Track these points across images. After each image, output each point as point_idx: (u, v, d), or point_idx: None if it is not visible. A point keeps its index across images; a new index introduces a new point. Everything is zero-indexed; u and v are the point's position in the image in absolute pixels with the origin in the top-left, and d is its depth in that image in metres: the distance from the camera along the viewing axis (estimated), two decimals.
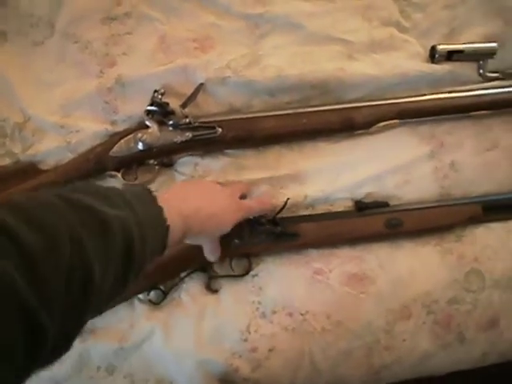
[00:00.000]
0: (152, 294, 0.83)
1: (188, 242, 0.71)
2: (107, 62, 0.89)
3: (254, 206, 0.79)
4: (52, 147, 0.86)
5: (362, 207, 0.86)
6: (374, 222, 0.85)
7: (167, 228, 0.58)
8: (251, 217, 0.81)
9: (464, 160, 0.90)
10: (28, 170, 0.84)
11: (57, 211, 0.44)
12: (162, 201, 0.59)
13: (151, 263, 0.56)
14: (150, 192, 0.60)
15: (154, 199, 0.59)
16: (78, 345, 0.81)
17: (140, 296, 0.84)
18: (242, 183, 0.84)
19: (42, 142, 0.86)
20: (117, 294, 0.51)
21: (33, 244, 0.40)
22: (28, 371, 0.40)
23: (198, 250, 0.81)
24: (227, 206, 0.72)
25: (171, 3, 0.92)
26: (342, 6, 0.93)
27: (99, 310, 0.51)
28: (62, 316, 0.41)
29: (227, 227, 0.73)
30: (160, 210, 0.58)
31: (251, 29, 0.91)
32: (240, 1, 0.92)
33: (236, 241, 0.82)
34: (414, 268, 0.86)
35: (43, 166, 0.85)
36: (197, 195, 0.70)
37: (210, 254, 0.77)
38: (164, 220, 0.57)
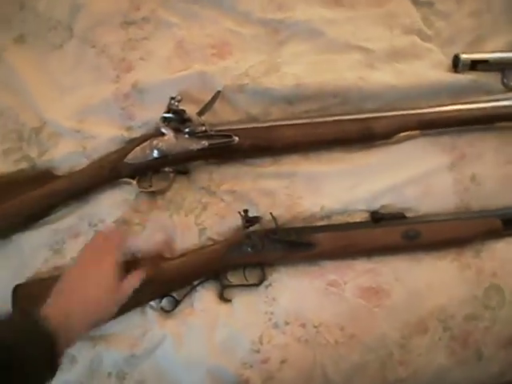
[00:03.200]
0: (164, 301, 0.83)
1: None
2: (124, 67, 0.89)
3: (133, 283, 0.76)
4: (67, 152, 0.86)
5: (378, 218, 0.85)
6: (391, 233, 0.83)
7: (54, 343, 0.59)
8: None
9: (485, 173, 0.88)
10: (43, 176, 0.84)
11: None
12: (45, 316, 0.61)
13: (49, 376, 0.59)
14: (31, 316, 0.61)
15: (35, 323, 0.60)
16: (89, 350, 0.82)
17: (152, 303, 0.83)
18: (115, 240, 0.78)
19: (58, 147, 0.87)
20: None
21: None
22: None
23: (212, 258, 0.81)
24: (101, 299, 0.71)
25: (190, 9, 0.91)
26: (364, 13, 0.91)
27: None
28: None
29: (109, 313, 0.73)
30: (44, 332, 0.59)
31: (270, 35, 0.90)
32: (260, 7, 0.91)
33: (249, 250, 0.81)
34: (431, 282, 0.84)
35: (58, 172, 0.86)
36: (75, 292, 0.69)
37: None
38: (49, 337, 0.59)
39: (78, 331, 0.66)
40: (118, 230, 0.83)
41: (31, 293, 0.82)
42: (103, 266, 0.72)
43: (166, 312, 0.83)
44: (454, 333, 0.83)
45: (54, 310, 0.64)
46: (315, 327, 0.82)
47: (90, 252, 0.75)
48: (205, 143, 0.82)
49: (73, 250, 0.85)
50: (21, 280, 0.82)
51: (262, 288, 0.84)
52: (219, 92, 0.85)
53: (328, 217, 0.86)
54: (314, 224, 0.86)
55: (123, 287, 0.74)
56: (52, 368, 0.60)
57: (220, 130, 0.82)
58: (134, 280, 0.76)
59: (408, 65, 0.90)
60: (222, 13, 0.91)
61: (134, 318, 0.83)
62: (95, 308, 0.69)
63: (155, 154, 0.82)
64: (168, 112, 0.82)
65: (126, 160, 0.82)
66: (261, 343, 0.81)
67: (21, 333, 0.58)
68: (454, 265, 0.85)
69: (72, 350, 0.76)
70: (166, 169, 0.84)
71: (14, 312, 0.65)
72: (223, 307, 0.83)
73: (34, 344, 0.58)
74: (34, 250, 0.84)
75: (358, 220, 0.86)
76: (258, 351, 0.81)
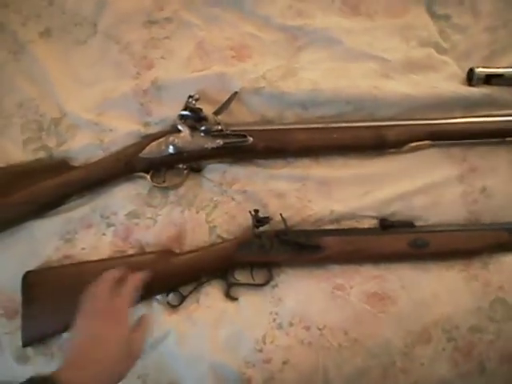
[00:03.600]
0: (171, 296, 0.84)
1: None
2: (145, 65, 0.91)
3: (142, 339, 0.71)
4: (85, 144, 0.88)
5: (386, 225, 0.85)
6: (398, 240, 0.84)
7: None
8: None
9: (495, 186, 0.89)
10: (60, 166, 0.86)
11: None
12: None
13: None
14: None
15: None
16: None
17: (158, 297, 0.84)
18: (126, 296, 0.73)
19: (76, 139, 0.88)
20: None
21: None
22: None
23: (220, 256, 0.82)
24: (119, 356, 0.67)
25: (212, 11, 0.93)
26: (381, 24, 0.93)
27: None
28: None
29: (125, 375, 0.69)
30: None
31: (289, 41, 0.92)
32: (280, 13, 0.93)
33: (258, 249, 0.82)
34: (438, 291, 0.84)
35: (75, 163, 0.87)
36: (89, 360, 0.64)
37: None
38: None
39: None
40: (136, 276, 0.75)
41: (41, 280, 0.83)
42: (115, 329, 0.68)
43: (172, 307, 0.84)
44: (457, 344, 0.83)
45: (71, 377, 0.59)
46: (319, 330, 0.82)
47: (97, 311, 0.69)
48: (219, 142, 0.83)
49: (84, 240, 0.86)
50: (31, 267, 0.83)
51: (268, 288, 0.84)
52: (236, 93, 0.86)
53: (337, 221, 0.87)
54: (323, 227, 0.87)
55: (134, 348, 0.69)
56: None
57: (235, 130, 0.84)
58: (143, 335, 0.71)
59: (423, 76, 0.91)
60: (243, 17, 0.93)
61: (139, 311, 0.83)
62: (110, 375, 0.65)
63: (170, 150, 0.83)
64: (185, 110, 0.84)
65: (141, 154, 0.84)
66: (264, 343, 0.82)
67: None
68: (461, 275, 0.85)
69: None
70: (180, 165, 0.86)
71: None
72: (229, 305, 0.84)
73: None
74: (46, 238, 0.86)
75: (366, 226, 0.87)
76: (260, 351, 0.81)
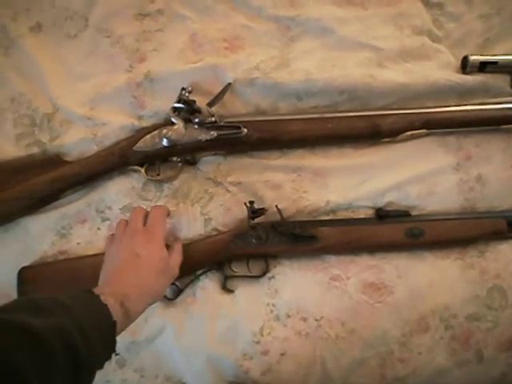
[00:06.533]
0: (167, 289, 0.83)
1: None
2: (137, 58, 0.90)
3: (177, 259, 0.77)
4: (78, 139, 0.87)
5: (382, 215, 0.85)
6: (394, 230, 0.83)
7: (114, 324, 0.58)
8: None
9: (491, 174, 0.88)
10: (53, 161, 0.85)
11: None
12: (103, 296, 0.59)
13: (106, 361, 0.57)
14: (91, 292, 0.60)
15: (96, 298, 0.58)
16: None
17: None
18: (161, 220, 0.78)
19: (69, 133, 0.88)
20: None
21: None
22: None
23: (216, 248, 0.82)
24: (157, 272, 0.71)
25: (204, 3, 0.92)
26: (374, 12, 0.92)
27: None
28: None
29: (162, 293, 0.74)
30: (104, 308, 0.58)
31: (282, 31, 0.92)
32: (272, 3, 0.92)
33: (254, 241, 0.82)
34: (434, 280, 0.84)
35: (68, 158, 0.87)
36: (130, 274, 0.68)
37: None
38: (110, 317, 0.58)
39: (134, 314, 0.64)
40: (160, 206, 0.81)
41: (37, 276, 0.83)
42: (153, 246, 0.72)
43: (169, 300, 0.83)
44: (455, 332, 0.83)
45: (112, 291, 0.62)
46: (316, 321, 0.82)
47: (135, 231, 0.74)
48: (213, 134, 0.83)
49: (79, 235, 0.86)
50: (27, 262, 0.83)
51: (264, 280, 0.84)
52: (229, 84, 0.86)
53: (333, 212, 0.87)
54: (318, 218, 0.86)
55: (171, 265, 0.74)
56: (111, 349, 0.58)
57: (229, 122, 0.83)
58: (178, 256, 0.77)
59: (417, 65, 0.90)
60: (235, 8, 0.93)
61: None
62: (149, 290, 0.69)
63: (164, 142, 0.83)
64: (179, 102, 0.83)
65: (135, 148, 0.83)
66: (261, 335, 0.82)
67: (86, 307, 0.56)
68: (457, 264, 0.85)
69: None
70: (174, 158, 0.85)
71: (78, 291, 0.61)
72: (225, 297, 0.84)
73: (97, 324, 0.56)
74: (41, 234, 0.85)
75: (362, 216, 0.87)
76: (258, 342, 0.81)
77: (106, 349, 0.57)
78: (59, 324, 0.50)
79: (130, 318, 0.63)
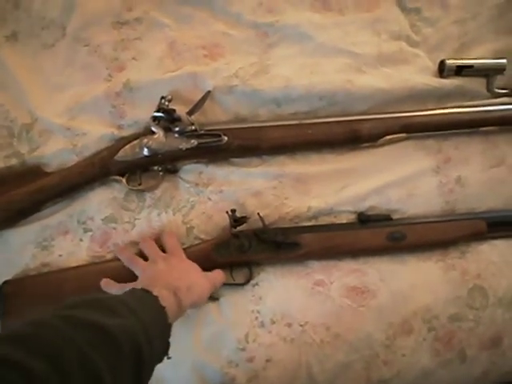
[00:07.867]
0: None
1: None
2: (116, 67, 0.90)
3: (217, 276, 0.80)
4: (58, 149, 0.86)
5: (364, 220, 0.86)
6: (376, 234, 0.84)
7: (169, 326, 0.61)
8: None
9: (470, 176, 0.90)
10: (33, 172, 0.84)
11: (60, 335, 0.45)
12: (156, 289, 0.62)
13: (159, 362, 0.59)
14: (149, 293, 0.62)
15: (155, 300, 0.61)
16: None
17: None
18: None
19: (48, 144, 0.87)
20: None
21: (42, 375, 0.40)
22: None
23: (199, 257, 0.82)
24: (201, 278, 0.76)
25: (182, 10, 0.92)
26: (352, 18, 0.93)
27: None
28: None
29: (206, 297, 0.77)
30: (162, 310, 0.60)
31: (261, 38, 0.92)
32: (251, 10, 0.92)
33: (237, 249, 0.82)
34: (416, 283, 0.85)
35: (48, 169, 0.86)
36: (182, 276, 0.73)
37: None
38: (166, 320, 0.61)
39: (184, 307, 0.67)
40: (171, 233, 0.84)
41: (19, 289, 0.82)
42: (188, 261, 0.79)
43: None
44: (438, 333, 0.84)
45: (163, 285, 0.65)
46: (301, 326, 0.82)
47: (162, 257, 0.78)
48: (194, 142, 0.83)
49: (61, 246, 0.85)
50: (8, 277, 0.82)
51: (248, 287, 0.84)
52: (209, 92, 0.86)
53: (315, 217, 0.87)
54: (300, 224, 0.87)
55: (211, 275, 0.78)
56: (166, 351, 0.61)
57: (209, 130, 0.83)
58: (219, 273, 0.80)
59: (395, 69, 0.91)
60: (213, 15, 0.93)
61: None
62: (196, 287, 0.72)
63: (145, 152, 0.82)
64: (158, 111, 0.83)
65: (115, 158, 0.83)
66: (247, 342, 0.82)
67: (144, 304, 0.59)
68: (438, 265, 0.86)
69: None
70: (155, 167, 0.85)
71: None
72: (210, 305, 0.84)
73: (157, 326, 0.58)
74: (22, 246, 0.84)
75: (344, 221, 0.88)
76: (243, 349, 0.81)
77: (163, 351, 0.60)
78: (128, 326, 0.51)
79: (181, 309, 0.66)
